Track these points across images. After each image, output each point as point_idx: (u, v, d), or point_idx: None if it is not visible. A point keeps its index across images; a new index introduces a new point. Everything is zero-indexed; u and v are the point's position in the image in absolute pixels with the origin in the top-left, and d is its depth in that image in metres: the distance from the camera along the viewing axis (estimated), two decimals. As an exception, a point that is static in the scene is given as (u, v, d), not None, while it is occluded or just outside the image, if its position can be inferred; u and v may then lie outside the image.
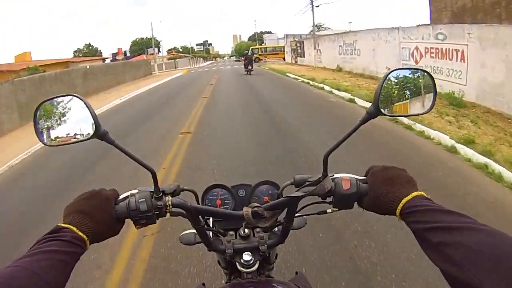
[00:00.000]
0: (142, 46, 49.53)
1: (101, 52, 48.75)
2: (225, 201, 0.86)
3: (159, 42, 54.06)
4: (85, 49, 51.02)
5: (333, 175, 0.61)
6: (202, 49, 76.37)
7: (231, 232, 0.78)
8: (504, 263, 0.35)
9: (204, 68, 28.10)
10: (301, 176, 0.64)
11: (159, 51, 49.93)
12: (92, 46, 53.58)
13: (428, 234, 0.43)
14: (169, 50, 59.07)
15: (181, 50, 68.55)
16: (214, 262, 0.96)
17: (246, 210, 0.62)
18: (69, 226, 0.49)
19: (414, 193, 0.49)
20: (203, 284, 0.93)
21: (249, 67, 16.22)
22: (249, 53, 18.20)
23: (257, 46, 39.18)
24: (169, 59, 38.53)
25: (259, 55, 32.56)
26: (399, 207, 0.49)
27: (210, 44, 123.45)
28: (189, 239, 0.82)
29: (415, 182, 0.53)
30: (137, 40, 54.87)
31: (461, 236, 0.40)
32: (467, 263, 0.37)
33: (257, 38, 53.22)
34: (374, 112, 0.54)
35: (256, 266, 0.75)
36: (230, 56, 72.68)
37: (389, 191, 0.51)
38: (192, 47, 76.05)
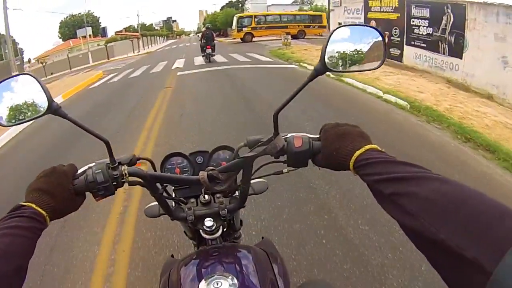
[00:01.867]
0: (75, 26, 44.48)
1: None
2: (184, 169, 0.97)
3: (98, 19, 51.19)
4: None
5: (286, 135, 0.72)
6: (162, 26, 76.37)
7: (192, 200, 0.89)
8: (460, 210, 0.39)
9: (155, 55, 23.07)
10: (254, 137, 0.74)
11: (98, 33, 47.26)
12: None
13: (381, 185, 0.50)
14: (118, 31, 56.82)
15: (137, 29, 64.69)
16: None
17: (202, 174, 0.72)
18: (28, 203, 0.58)
19: (367, 146, 0.58)
20: (172, 256, 1.05)
21: (208, 50, 12.53)
22: (208, 28, 13.69)
23: (250, 13, 29.40)
24: (107, 42, 34.41)
25: (252, 29, 24.93)
26: (352, 161, 0.58)
27: (175, 21, 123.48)
28: (153, 212, 0.94)
29: (368, 136, 0.62)
30: (67, 19, 48.36)
31: (415, 185, 0.45)
32: (422, 212, 0.42)
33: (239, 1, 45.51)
34: (321, 69, 0.63)
35: (220, 232, 0.87)
36: (196, 33, 71.37)
37: (341, 146, 0.60)
38: (150, 25, 74.36)
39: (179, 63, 13.31)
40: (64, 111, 0.66)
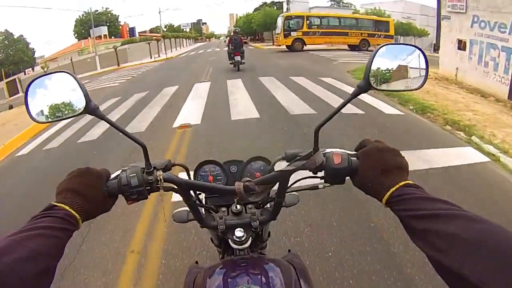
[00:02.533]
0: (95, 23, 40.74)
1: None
2: (217, 177, 1.01)
3: (117, 18, 50.09)
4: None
5: (324, 150, 0.75)
6: (190, 27, 78.69)
7: (223, 209, 0.94)
8: (483, 247, 0.44)
9: (172, 63, 20.32)
10: (292, 150, 0.78)
11: (117, 32, 46.78)
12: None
13: (413, 221, 0.55)
14: (142, 32, 57.17)
15: (165, 30, 64.28)
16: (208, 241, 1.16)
17: (238, 185, 0.75)
18: (61, 204, 0.61)
19: (401, 183, 0.61)
20: (196, 262, 1.06)
21: (237, 57, 11.93)
22: (236, 32, 13.07)
23: (300, 13, 22.66)
24: (123, 44, 31.70)
25: (303, 34, 19.86)
26: (386, 197, 0.62)
27: (205, 23, 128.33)
28: (182, 217, 0.97)
29: (406, 167, 0.66)
30: (83, 17, 44.29)
31: (444, 223, 0.51)
32: (449, 248, 0.48)
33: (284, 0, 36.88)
34: (365, 86, 0.67)
35: (249, 242, 0.90)
36: (226, 36, 72.34)
37: (378, 180, 0.64)
38: (179, 26, 76.49)
39: (199, 93, 8.38)
40: (101, 111, 0.70)
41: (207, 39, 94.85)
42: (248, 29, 41.28)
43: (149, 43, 26.70)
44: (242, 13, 53.57)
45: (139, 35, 46.27)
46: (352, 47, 20.33)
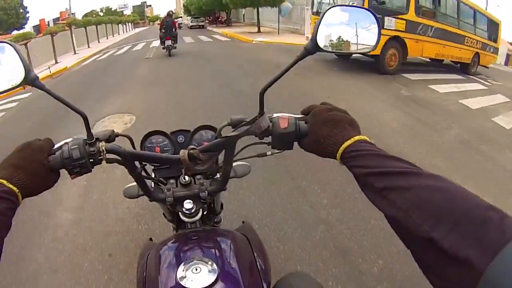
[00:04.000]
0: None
1: None
2: (164, 148, 1.11)
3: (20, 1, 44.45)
4: None
5: (271, 115, 0.83)
6: (130, 10, 73.86)
7: (172, 181, 1.03)
8: (455, 210, 0.47)
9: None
10: (238, 116, 0.86)
11: (11, 25, 41.19)
12: None
13: (371, 179, 0.59)
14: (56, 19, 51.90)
15: (102, 14, 62.35)
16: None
17: (183, 153, 0.82)
18: (0, 180, 0.66)
19: (356, 137, 0.67)
20: (150, 239, 1.18)
21: (168, 42, 12.91)
22: (170, 14, 13.81)
23: None
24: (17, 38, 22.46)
25: (405, 27, 9.34)
26: (340, 151, 0.67)
27: (149, 5, 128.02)
28: (132, 192, 1.06)
29: (358, 125, 0.74)
30: None
31: (408, 181, 0.54)
32: (414, 209, 0.50)
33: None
34: (312, 48, 0.75)
35: (199, 215, 1.01)
36: (176, 17, 71.01)
37: (330, 134, 0.71)
38: (110, 8, 75.06)
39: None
40: (42, 82, 0.76)
41: (151, 23, 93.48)
42: (207, 7, 38.78)
43: (52, 36, 18.65)
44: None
45: (58, 23, 39.15)
46: (459, 66, 12.08)
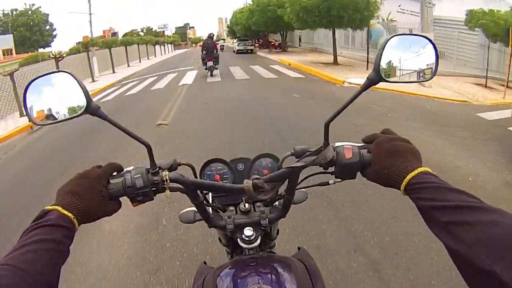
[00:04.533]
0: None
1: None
2: (224, 176, 1.17)
3: (46, 19, 44.57)
4: None
5: (334, 144, 0.88)
6: (164, 29, 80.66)
7: (231, 208, 1.09)
8: None
9: None
10: (301, 146, 0.92)
11: (40, 43, 40.14)
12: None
13: (436, 212, 0.63)
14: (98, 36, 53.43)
15: (142, 34, 66.51)
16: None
17: (247, 183, 0.87)
18: (55, 207, 0.71)
19: (420, 169, 0.72)
20: (205, 262, 1.23)
21: (210, 63, 15.11)
22: (211, 36, 15.70)
23: None
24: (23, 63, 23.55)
25: None
26: (404, 182, 0.72)
27: (192, 27, 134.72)
28: (188, 217, 1.11)
29: (420, 155, 0.78)
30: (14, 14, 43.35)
31: (472, 216, 0.58)
32: (479, 244, 0.54)
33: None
34: (375, 78, 0.80)
35: (258, 241, 1.04)
36: (216, 40, 71.49)
37: (394, 165, 0.75)
38: (151, 28, 78.79)
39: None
40: (103, 111, 0.82)
41: (193, 45, 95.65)
42: (244, 30, 37.67)
43: (57, 60, 17.40)
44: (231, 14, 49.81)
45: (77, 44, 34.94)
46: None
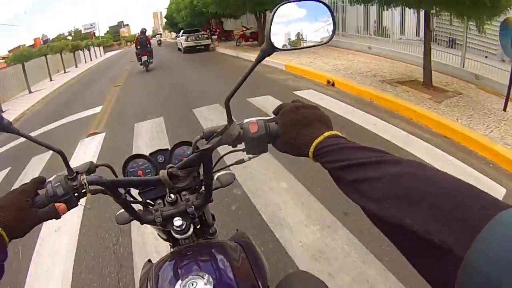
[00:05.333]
0: None
1: None
2: (146, 171, 1.22)
3: None
4: None
5: (241, 122, 0.92)
6: (89, 30, 72.81)
7: (159, 201, 1.13)
8: (425, 194, 0.50)
9: None
10: (209, 128, 0.95)
11: None
12: None
13: (342, 172, 0.63)
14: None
15: (70, 38, 61.72)
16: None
17: (162, 173, 0.93)
18: None
19: (326, 133, 0.74)
20: (149, 260, 1.27)
21: (144, 57, 16.13)
22: (144, 32, 16.87)
23: None
24: None
25: None
26: (311, 149, 0.74)
27: (126, 25, 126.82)
28: (124, 218, 1.18)
29: (328, 120, 0.82)
30: None
31: (376, 170, 0.58)
32: (386, 198, 0.53)
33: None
34: (268, 49, 0.80)
35: (191, 230, 1.11)
36: (153, 36, 58.83)
37: (300, 134, 0.78)
38: (79, 30, 67.34)
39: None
40: (15, 127, 0.85)
41: (129, 43, 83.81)
42: (196, 14, 27.28)
43: None
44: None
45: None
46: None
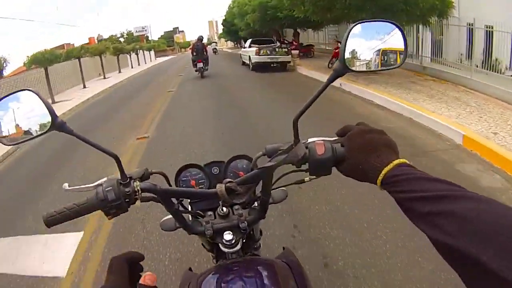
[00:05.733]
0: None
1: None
2: (200, 181, 1.21)
3: None
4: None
5: (306, 141, 0.91)
6: (141, 33, 71.27)
7: (210, 213, 1.14)
8: (501, 232, 0.51)
9: None
10: (273, 145, 0.95)
11: None
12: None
13: (415, 203, 0.64)
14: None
15: (123, 39, 61.15)
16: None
17: (220, 187, 0.92)
18: None
19: (395, 161, 0.74)
20: (190, 269, 1.28)
21: (200, 64, 16.86)
22: (200, 39, 17.84)
23: None
24: None
25: None
26: (380, 177, 0.74)
27: (182, 31, 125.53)
28: (169, 225, 1.16)
29: (395, 146, 0.82)
30: None
31: (453, 204, 0.58)
32: (462, 233, 0.54)
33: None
34: (341, 69, 0.81)
35: (240, 245, 1.09)
36: (207, 44, 53.77)
37: (368, 159, 0.78)
38: (132, 33, 70.57)
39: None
40: (69, 126, 0.87)
41: (182, 50, 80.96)
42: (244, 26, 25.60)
43: None
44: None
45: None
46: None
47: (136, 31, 71.85)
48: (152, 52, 54.68)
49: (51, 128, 0.83)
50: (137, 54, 38.53)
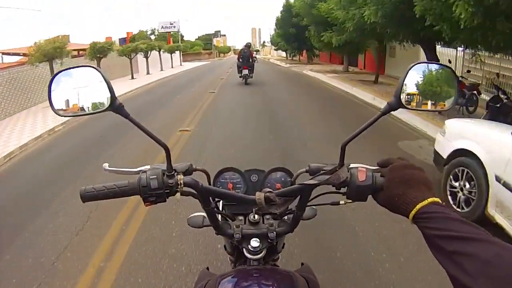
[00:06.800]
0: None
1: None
2: (237, 185, 1.27)
3: None
4: None
5: (349, 165, 1.00)
6: (168, 30, 56.76)
7: (240, 217, 1.19)
8: None
9: None
10: (317, 164, 1.04)
11: None
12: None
13: (441, 241, 0.71)
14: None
15: (153, 36, 54.15)
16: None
17: (259, 195, 0.98)
18: None
19: (430, 199, 0.81)
20: (207, 268, 1.34)
21: (245, 71, 18.01)
22: (248, 46, 18.94)
23: None
24: None
25: None
26: (413, 212, 0.82)
27: (224, 35, 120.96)
28: (197, 222, 1.23)
29: (432, 185, 0.89)
30: None
31: (477, 247, 0.65)
32: (483, 275, 0.60)
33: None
34: (395, 104, 0.90)
35: (263, 253, 1.14)
36: (254, 50, 41.73)
37: (405, 193, 0.85)
38: (154, 31, 61.05)
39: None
40: (126, 110, 0.93)
41: (221, 55, 72.99)
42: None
43: None
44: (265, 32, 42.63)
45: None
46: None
47: (162, 27, 55.10)
48: (178, 54, 42.47)
49: (109, 108, 0.88)
50: (146, 57, 26.52)
